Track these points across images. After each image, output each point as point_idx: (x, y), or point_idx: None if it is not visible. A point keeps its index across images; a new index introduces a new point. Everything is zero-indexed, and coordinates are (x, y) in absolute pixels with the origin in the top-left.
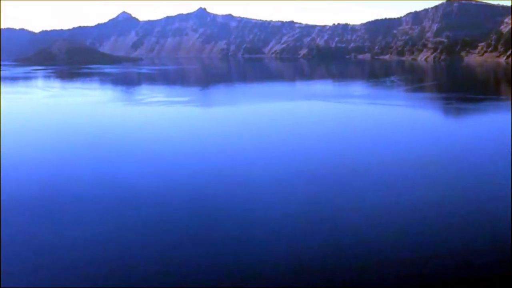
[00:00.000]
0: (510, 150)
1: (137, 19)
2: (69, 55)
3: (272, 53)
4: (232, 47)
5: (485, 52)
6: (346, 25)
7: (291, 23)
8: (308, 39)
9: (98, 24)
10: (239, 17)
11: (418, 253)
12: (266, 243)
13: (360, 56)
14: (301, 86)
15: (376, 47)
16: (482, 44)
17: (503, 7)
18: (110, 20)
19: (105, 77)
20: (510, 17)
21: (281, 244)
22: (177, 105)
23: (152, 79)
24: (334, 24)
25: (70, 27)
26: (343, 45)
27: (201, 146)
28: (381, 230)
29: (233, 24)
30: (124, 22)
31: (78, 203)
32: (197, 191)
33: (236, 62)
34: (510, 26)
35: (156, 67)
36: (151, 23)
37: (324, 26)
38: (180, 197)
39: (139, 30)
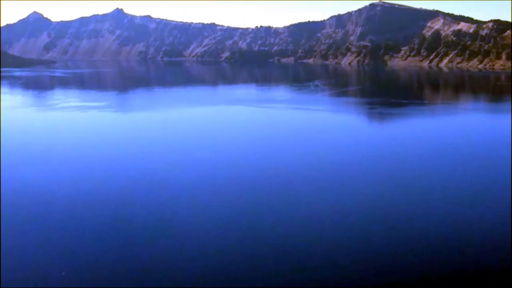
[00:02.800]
0: None
1: (49, 20)
2: None
3: (193, 56)
4: (151, 50)
5: (408, 56)
6: (269, 28)
7: (213, 25)
8: (230, 42)
9: (7, 25)
10: (158, 18)
11: (350, 258)
12: (183, 249)
13: (284, 60)
14: (223, 91)
15: (300, 51)
16: (405, 48)
17: (426, 11)
18: (20, 21)
19: (15, 81)
20: (432, 21)
21: (196, 251)
22: (92, 110)
23: (66, 83)
24: (256, 26)
25: None
26: (266, 49)
27: (116, 152)
28: (305, 235)
29: (152, 25)
30: (35, 22)
31: None
32: (111, 198)
33: (156, 65)
34: (432, 30)
35: (70, 70)
36: (64, 24)
37: (246, 29)
38: (94, 203)
39: (51, 31)
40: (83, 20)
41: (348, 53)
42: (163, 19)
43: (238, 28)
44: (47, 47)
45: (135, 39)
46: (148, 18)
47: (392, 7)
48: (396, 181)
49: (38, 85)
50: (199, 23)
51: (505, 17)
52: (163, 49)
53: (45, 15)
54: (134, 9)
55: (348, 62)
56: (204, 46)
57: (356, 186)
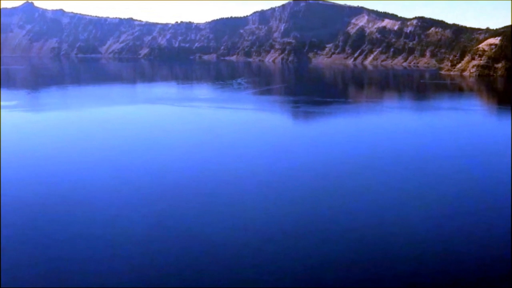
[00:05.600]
0: None
1: None
2: None
3: (110, 53)
4: (65, 46)
5: (333, 53)
6: (190, 23)
7: (130, 20)
8: (149, 38)
9: None
10: (72, 12)
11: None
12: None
13: (205, 57)
14: (142, 89)
15: (222, 48)
16: (330, 45)
17: (350, 7)
18: None
19: None
20: (357, 17)
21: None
22: (1, 110)
23: None
24: (176, 22)
25: None
26: (187, 45)
27: (28, 154)
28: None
29: (65, 20)
30: None
31: None
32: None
33: (70, 62)
34: (357, 27)
35: None
36: None
37: (166, 24)
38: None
39: None
40: None
41: (272, 50)
42: (77, 13)
43: (157, 24)
44: None
45: (47, 34)
46: (61, 12)
47: (316, 3)
48: (329, 183)
49: None
50: (116, 18)
51: (429, 14)
52: (78, 45)
53: None
54: (46, 3)
55: (272, 59)
56: (122, 42)
57: (286, 187)
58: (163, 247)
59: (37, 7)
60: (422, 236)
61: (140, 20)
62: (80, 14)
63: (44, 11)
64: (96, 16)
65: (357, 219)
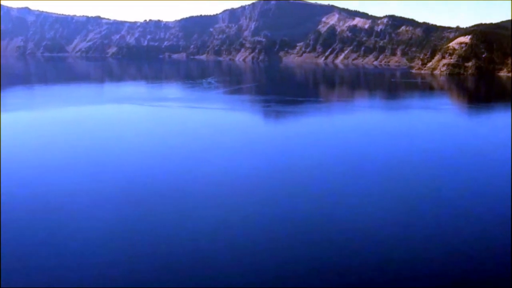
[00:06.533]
0: None
1: None
2: None
3: (77, 52)
4: (30, 45)
5: (304, 52)
6: (159, 21)
7: (98, 18)
8: (117, 36)
9: None
10: (38, 10)
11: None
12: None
13: (175, 56)
14: (110, 88)
15: (192, 46)
16: (301, 44)
17: (321, 6)
18: None
19: None
20: (328, 16)
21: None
22: None
23: None
24: (145, 20)
25: None
26: (156, 44)
27: None
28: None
29: (31, 18)
30: None
31: None
32: None
33: (36, 61)
34: (328, 25)
35: None
36: None
37: (134, 23)
38: None
39: None
40: None
41: (242, 49)
42: (43, 12)
43: (125, 22)
44: None
45: (12, 33)
46: (27, 10)
47: (287, 2)
48: (304, 184)
49: None
50: (83, 16)
51: (400, 13)
52: (44, 43)
53: None
54: (11, 2)
55: (242, 58)
56: (89, 41)
57: (260, 189)
58: (142, 251)
59: (2, 5)
60: (411, 237)
61: (108, 19)
62: (46, 12)
63: (9, 9)
64: (62, 14)
65: (342, 222)
